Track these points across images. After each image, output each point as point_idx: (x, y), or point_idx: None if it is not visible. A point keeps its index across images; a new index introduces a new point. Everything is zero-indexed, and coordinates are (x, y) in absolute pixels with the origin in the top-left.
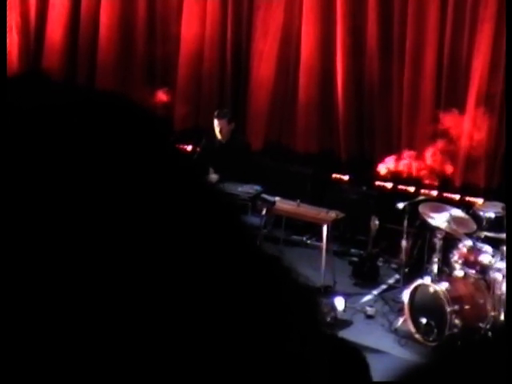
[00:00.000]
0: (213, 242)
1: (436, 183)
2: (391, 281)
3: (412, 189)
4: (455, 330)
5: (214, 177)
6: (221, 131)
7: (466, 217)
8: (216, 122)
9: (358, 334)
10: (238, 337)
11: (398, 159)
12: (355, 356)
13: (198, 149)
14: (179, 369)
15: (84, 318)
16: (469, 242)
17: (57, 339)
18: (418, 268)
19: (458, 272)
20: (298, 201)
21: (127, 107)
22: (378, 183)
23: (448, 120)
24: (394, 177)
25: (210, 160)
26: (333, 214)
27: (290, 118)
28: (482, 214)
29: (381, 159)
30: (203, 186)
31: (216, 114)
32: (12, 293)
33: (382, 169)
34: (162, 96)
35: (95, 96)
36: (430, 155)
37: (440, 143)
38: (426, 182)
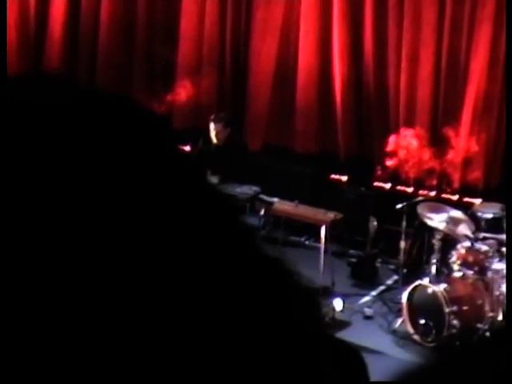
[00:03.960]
0: (215, 243)
1: (435, 184)
2: (390, 281)
3: (410, 189)
4: (454, 331)
5: (213, 178)
6: (217, 135)
7: (465, 217)
8: (212, 125)
9: (357, 334)
10: (241, 338)
11: (397, 159)
12: (353, 357)
13: (195, 151)
14: (179, 370)
15: (84, 318)
16: (467, 243)
17: (56, 339)
18: (416, 269)
19: (457, 273)
20: (297, 201)
21: (129, 106)
22: (376, 184)
23: (446, 122)
24: (393, 177)
25: (206, 162)
26: (331, 215)
27: (289, 118)
28: (480, 214)
29: (379, 160)
30: (205, 186)
31: (212, 117)
32: (11, 293)
33: (381, 169)
34: (162, 95)
35: (97, 96)
36: (428, 156)
37: (437, 144)
38: (425, 182)
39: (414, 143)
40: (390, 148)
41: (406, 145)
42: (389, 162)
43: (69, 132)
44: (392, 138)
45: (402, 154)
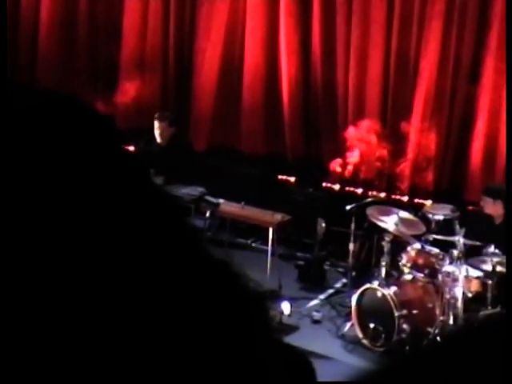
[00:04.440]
0: (160, 244)
1: (384, 185)
2: (338, 285)
3: (360, 191)
4: (404, 335)
5: (157, 179)
6: (161, 134)
7: (415, 219)
8: (156, 124)
9: (305, 339)
10: (185, 342)
11: (345, 161)
12: (301, 362)
13: (138, 150)
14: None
15: None
16: (417, 245)
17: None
18: (365, 272)
19: (407, 276)
20: (243, 203)
21: (73, 106)
22: (325, 185)
23: (395, 121)
24: (342, 178)
25: (149, 162)
26: (279, 217)
27: (235, 118)
28: (430, 216)
29: (327, 160)
30: (150, 186)
31: (156, 116)
32: None
33: (330, 170)
34: (105, 94)
35: (39, 94)
36: (378, 157)
37: (387, 145)
38: (374, 183)
39: (370, 138)
40: (343, 144)
41: (360, 139)
42: (337, 163)
43: (7, 132)
44: (348, 132)
45: (354, 151)
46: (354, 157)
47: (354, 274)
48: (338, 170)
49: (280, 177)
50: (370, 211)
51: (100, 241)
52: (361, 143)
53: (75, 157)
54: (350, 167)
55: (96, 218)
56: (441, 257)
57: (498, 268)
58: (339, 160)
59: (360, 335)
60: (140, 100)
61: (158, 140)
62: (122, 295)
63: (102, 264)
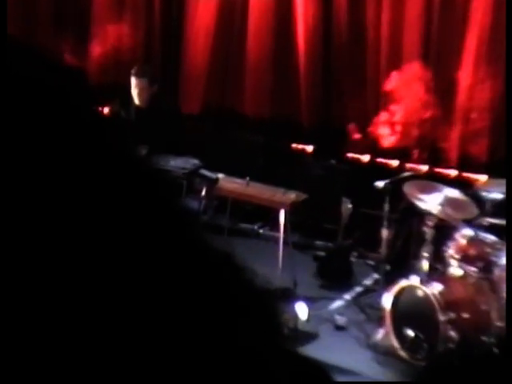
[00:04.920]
0: (145, 234)
1: (426, 155)
2: (368, 282)
3: (395, 163)
4: (451, 345)
5: (140, 149)
6: (139, 94)
7: (465, 199)
8: (134, 81)
9: (326, 349)
10: (178, 348)
11: (376, 125)
12: (320, 377)
13: (112, 114)
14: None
15: None
16: (468, 232)
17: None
18: (402, 265)
19: (455, 270)
20: (248, 178)
21: (34, 58)
22: (350, 155)
23: (440, 73)
24: (371, 147)
25: (127, 128)
26: (292, 196)
27: (237, 74)
28: (485, 194)
29: (354, 125)
30: (129, 159)
31: (134, 71)
32: None
33: (356, 136)
34: (73, 44)
35: None
36: (418, 120)
37: (430, 105)
38: (413, 153)
39: (407, 94)
40: (373, 105)
41: (395, 96)
42: (366, 128)
43: None
44: (379, 89)
45: (387, 112)
46: (386, 119)
47: (387, 267)
48: (367, 136)
49: (294, 146)
50: (407, 189)
51: (67, 224)
52: (396, 101)
53: (35, 125)
54: (382, 132)
55: (60, 200)
56: (498, 246)
57: None
58: (368, 124)
59: (395, 345)
60: (118, 51)
61: (136, 101)
62: (106, 291)
63: (73, 255)
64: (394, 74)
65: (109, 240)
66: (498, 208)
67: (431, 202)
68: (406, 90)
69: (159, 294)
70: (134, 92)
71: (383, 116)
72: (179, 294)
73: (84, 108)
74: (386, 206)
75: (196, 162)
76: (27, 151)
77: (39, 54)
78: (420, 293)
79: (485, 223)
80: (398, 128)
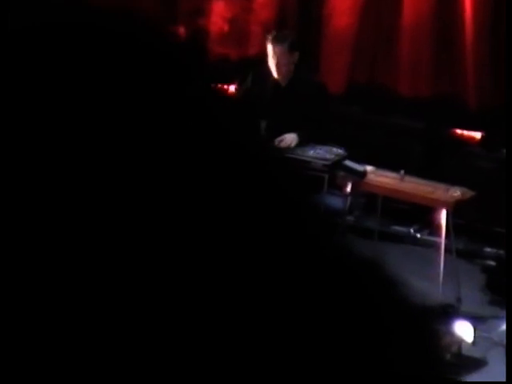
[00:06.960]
0: (257, 245)
1: None
2: None
3: None
4: None
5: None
6: (278, 64)
7: None
8: (271, 48)
9: (497, 377)
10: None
11: None
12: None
13: (240, 93)
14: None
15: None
16: None
17: (53, 338)
18: None
19: None
20: (403, 172)
21: (139, 31)
22: None
23: None
24: None
25: (260, 110)
26: (456, 193)
27: (388, 45)
28: None
29: None
30: (255, 150)
31: (272, 36)
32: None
33: None
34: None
35: (95, 14)
36: None
37: None
38: None
39: None
40: None
41: None
42: None
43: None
44: None
45: None
46: None
47: None
48: None
49: (458, 132)
50: None
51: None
52: None
53: (138, 107)
54: None
55: (162, 198)
56: None
57: None
58: None
59: None
60: (243, 18)
61: (274, 73)
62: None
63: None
64: None
65: (192, 240)
66: None
67: None
68: None
69: (273, 307)
70: (272, 62)
71: None
72: (301, 314)
73: (201, 90)
74: None
75: (340, 151)
76: (140, 130)
77: (150, 25)
78: None
79: None
80: None
